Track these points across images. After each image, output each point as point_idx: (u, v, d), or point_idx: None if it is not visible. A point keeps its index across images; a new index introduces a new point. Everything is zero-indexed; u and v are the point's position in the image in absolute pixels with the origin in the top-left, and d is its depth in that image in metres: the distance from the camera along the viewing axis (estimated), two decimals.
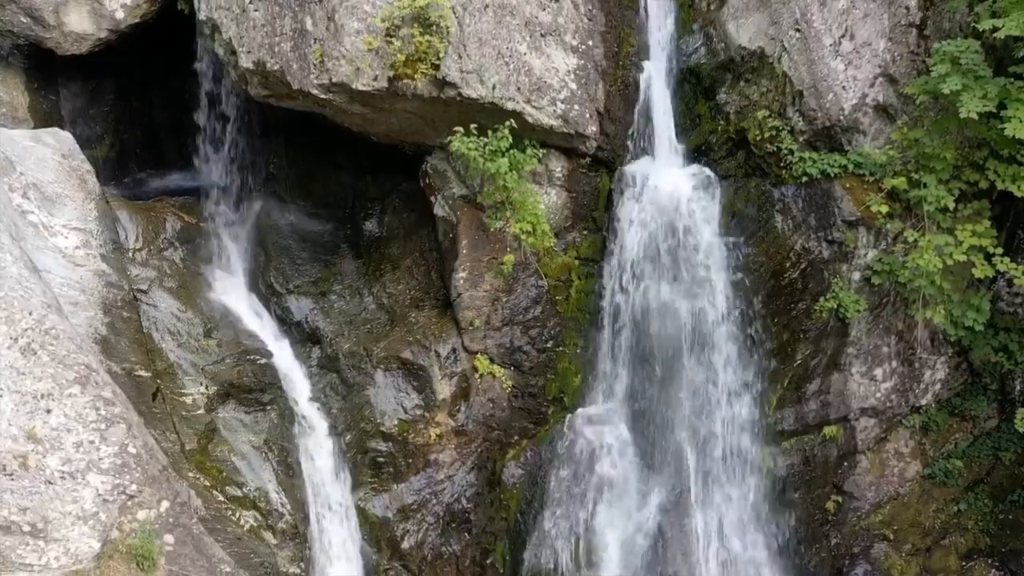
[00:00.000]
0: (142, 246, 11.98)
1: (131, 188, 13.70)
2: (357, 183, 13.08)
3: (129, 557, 8.68)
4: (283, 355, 12.10)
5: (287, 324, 12.34)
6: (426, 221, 12.54)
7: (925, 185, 10.71)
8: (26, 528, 8.00)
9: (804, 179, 11.53)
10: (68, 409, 8.33)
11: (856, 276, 11.86)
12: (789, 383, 12.10)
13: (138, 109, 14.71)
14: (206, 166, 13.50)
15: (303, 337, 12.26)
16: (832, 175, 11.39)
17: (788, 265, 11.75)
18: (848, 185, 11.42)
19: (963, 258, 10.63)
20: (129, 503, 8.93)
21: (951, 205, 10.63)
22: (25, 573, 8.06)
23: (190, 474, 10.62)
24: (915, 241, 10.86)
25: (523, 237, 11.18)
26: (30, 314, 8.25)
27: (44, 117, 13.28)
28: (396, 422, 11.73)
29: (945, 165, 10.62)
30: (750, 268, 11.84)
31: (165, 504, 9.39)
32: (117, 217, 11.87)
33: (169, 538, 9.28)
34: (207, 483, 10.84)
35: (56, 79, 13.53)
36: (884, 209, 11.01)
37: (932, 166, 10.70)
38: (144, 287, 11.74)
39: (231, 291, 12.51)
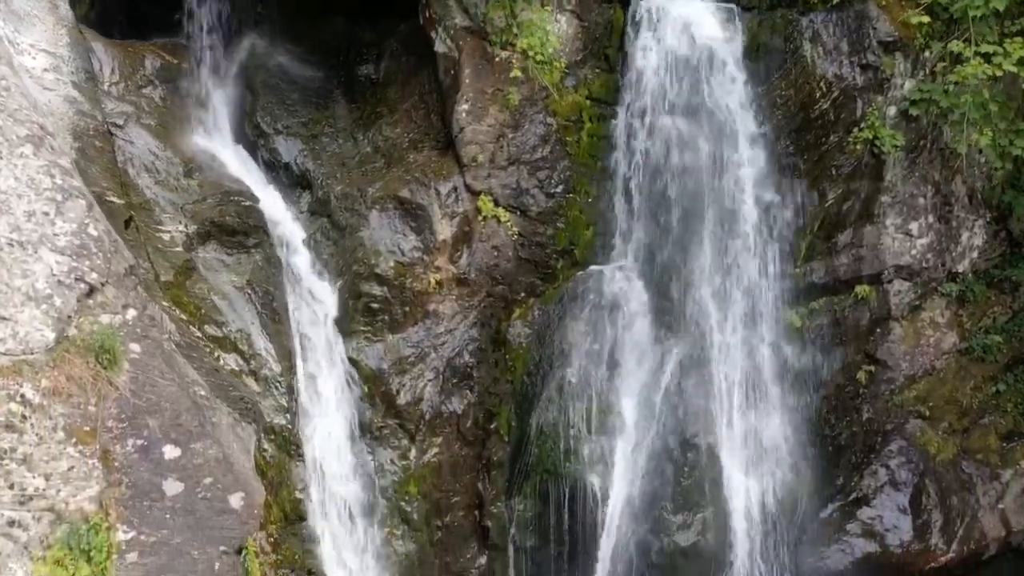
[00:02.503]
0: (119, 80, 11.05)
1: None
2: (352, 29, 12.09)
3: (87, 351, 7.68)
4: (270, 201, 11.12)
5: (275, 169, 11.38)
6: (426, 63, 11.62)
7: None
8: None
9: (835, 0, 10.68)
10: (18, 171, 7.36)
11: (892, 111, 10.96)
12: (819, 229, 11.18)
13: None
14: (191, 25, 12.64)
15: (292, 181, 11.31)
16: None
17: (818, 96, 10.86)
18: (884, 3, 10.54)
19: (1013, 69, 9.73)
20: (90, 301, 7.94)
21: (1000, 7, 9.73)
22: None
23: (164, 302, 9.68)
24: (959, 54, 9.97)
25: (531, 56, 10.28)
26: None
27: None
28: (392, 264, 10.75)
29: None
30: (777, 103, 10.96)
31: (132, 312, 8.39)
32: (92, 48, 10.96)
33: (136, 347, 8.26)
34: (183, 317, 9.87)
35: None
36: (925, 20, 10.14)
37: None
38: (120, 122, 10.78)
39: (215, 138, 11.57)
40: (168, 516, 8.06)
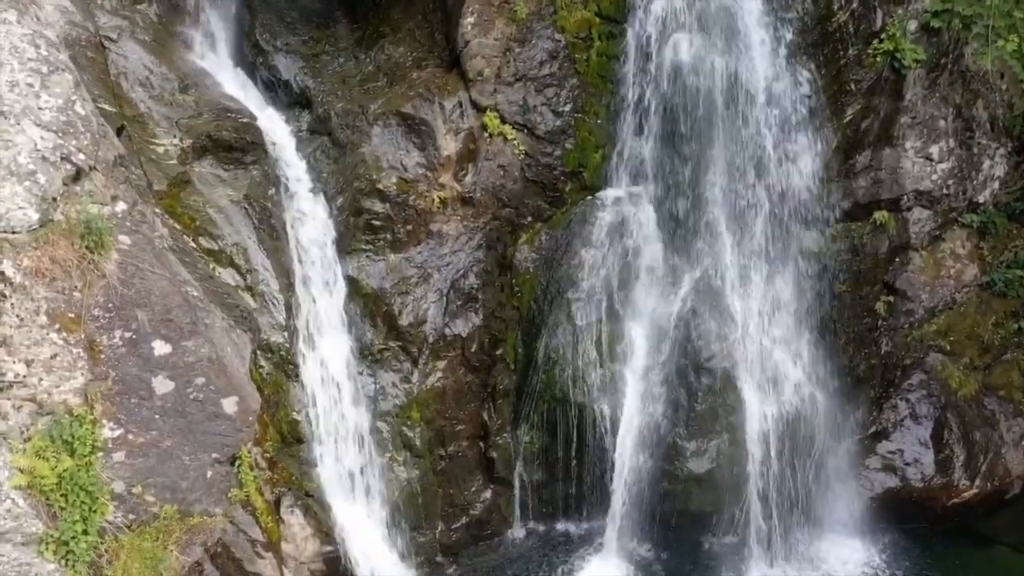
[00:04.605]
0: None
1: None
2: None
3: (71, 233, 7.26)
4: (268, 119, 10.73)
5: (274, 88, 11.00)
6: None
7: None
8: None
9: None
10: (1, 38, 7.01)
11: (913, 26, 10.58)
12: (837, 149, 10.77)
13: None
14: None
15: (291, 100, 10.91)
16: None
17: (836, 8, 10.46)
18: None
19: None
20: (76, 187, 7.53)
21: None
22: None
23: (157, 209, 9.27)
24: None
25: None
26: None
27: None
28: (395, 180, 10.32)
29: None
30: (793, 17, 10.56)
31: (122, 205, 7.99)
32: None
33: (125, 239, 7.85)
34: (178, 227, 9.48)
35: None
36: None
37: None
38: (113, 36, 10.40)
39: (211, 56, 11.17)
40: (158, 416, 7.63)
